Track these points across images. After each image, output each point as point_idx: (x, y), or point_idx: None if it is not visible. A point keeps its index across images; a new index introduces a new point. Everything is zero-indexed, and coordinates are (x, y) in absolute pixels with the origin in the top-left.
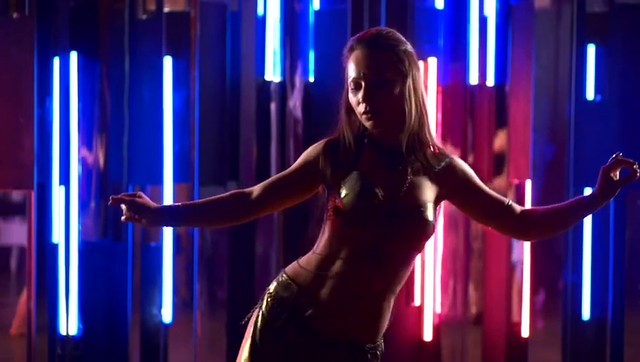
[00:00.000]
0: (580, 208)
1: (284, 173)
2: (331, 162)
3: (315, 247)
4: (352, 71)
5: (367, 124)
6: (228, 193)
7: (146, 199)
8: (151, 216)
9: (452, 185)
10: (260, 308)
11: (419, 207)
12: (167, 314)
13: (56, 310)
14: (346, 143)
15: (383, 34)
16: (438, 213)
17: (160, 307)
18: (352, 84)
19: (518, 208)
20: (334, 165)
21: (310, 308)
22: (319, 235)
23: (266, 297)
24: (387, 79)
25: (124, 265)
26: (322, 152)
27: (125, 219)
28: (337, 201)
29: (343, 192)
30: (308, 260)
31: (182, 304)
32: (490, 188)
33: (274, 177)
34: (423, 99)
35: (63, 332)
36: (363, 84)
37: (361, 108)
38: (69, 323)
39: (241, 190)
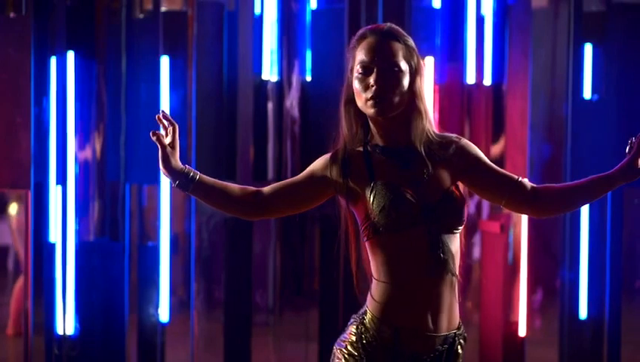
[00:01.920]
0: (596, 187)
1: (293, 179)
2: (343, 172)
3: (374, 272)
4: (363, 55)
5: (372, 111)
6: (243, 187)
7: (175, 152)
8: (166, 168)
9: (462, 167)
10: (347, 340)
11: (446, 193)
12: (164, 314)
13: (53, 310)
14: (349, 141)
15: (395, 28)
16: (463, 191)
17: (157, 306)
18: (361, 69)
19: (529, 185)
20: (348, 175)
21: (399, 333)
22: (368, 256)
23: (360, 332)
24: (399, 68)
25: (122, 265)
26: (330, 163)
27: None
28: (372, 217)
29: (375, 207)
30: (377, 290)
31: (179, 303)
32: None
33: (284, 182)
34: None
35: (60, 331)
36: (375, 68)
37: (368, 94)
38: (66, 322)
39: (256, 188)
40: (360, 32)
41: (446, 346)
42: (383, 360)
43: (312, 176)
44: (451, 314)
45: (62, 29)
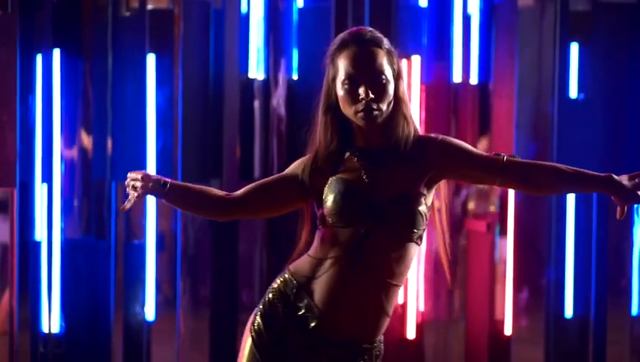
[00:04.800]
0: (590, 184)
1: (268, 178)
2: (312, 172)
3: (310, 250)
4: (349, 66)
5: (362, 122)
6: (210, 188)
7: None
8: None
9: (446, 162)
10: (262, 303)
11: (402, 197)
12: (150, 312)
13: (38, 308)
14: (322, 149)
15: (376, 34)
16: (430, 200)
17: (143, 305)
18: (347, 80)
19: (516, 162)
20: (316, 175)
21: (307, 307)
22: (315, 239)
23: (268, 292)
24: (385, 77)
25: (107, 263)
26: (305, 162)
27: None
28: (323, 210)
29: (327, 198)
30: (304, 262)
31: (165, 302)
32: (473, 185)
33: (259, 181)
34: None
35: (45, 330)
36: (363, 80)
37: (359, 107)
38: (51, 321)
39: (225, 193)
40: (340, 39)
41: (349, 354)
42: (278, 317)
43: (287, 175)
44: (368, 324)
45: (48, 26)
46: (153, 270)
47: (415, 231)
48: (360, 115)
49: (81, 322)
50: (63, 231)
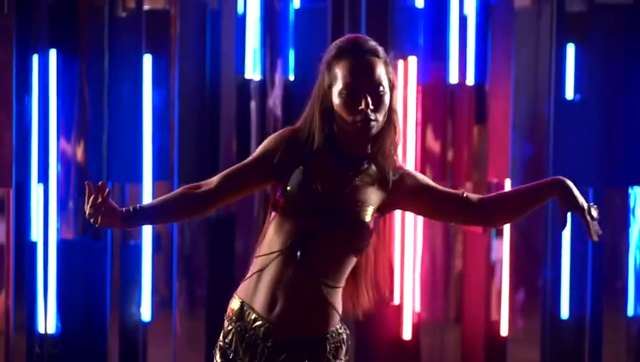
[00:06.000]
0: (540, 190)
1: (242, 163)
2: (289, 156)
3: (258, 251)
4: (347, 76)
5: (359, 131)
6: (179, 192)
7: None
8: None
9: (404, 194)
10: (222, 333)
11: (355, 206)
12: (146, 313)
13: (34, 308)
14: (307, 141)
15: (373, 44)
16: (379, 221)
17: (139, 305)
18: (345, 90)
19: (474, 197)
20: (291, 159)
21: (254, 319)
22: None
23: (223, 322)
24: (383, 88)
25: (103, 263)
26: (285, 143)
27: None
28: (278, 196)
29: (288, 184)
30: (251, 266)
31: (161, 302)
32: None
33: (232, 168)
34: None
35: (41, 330)
36: (362, 91)
37: (357, 117)
38: (47, 321)
39: (191, 187)
40: (336, 47)
41: (308, 347)
42: (231, 337)
43: (265, 153)
44: (309, 320)
45: (44, 26)
46: (149, 270)
47: (359, 244)
48: (358, 124)
49: (77, 322)
50: (59, 231)
